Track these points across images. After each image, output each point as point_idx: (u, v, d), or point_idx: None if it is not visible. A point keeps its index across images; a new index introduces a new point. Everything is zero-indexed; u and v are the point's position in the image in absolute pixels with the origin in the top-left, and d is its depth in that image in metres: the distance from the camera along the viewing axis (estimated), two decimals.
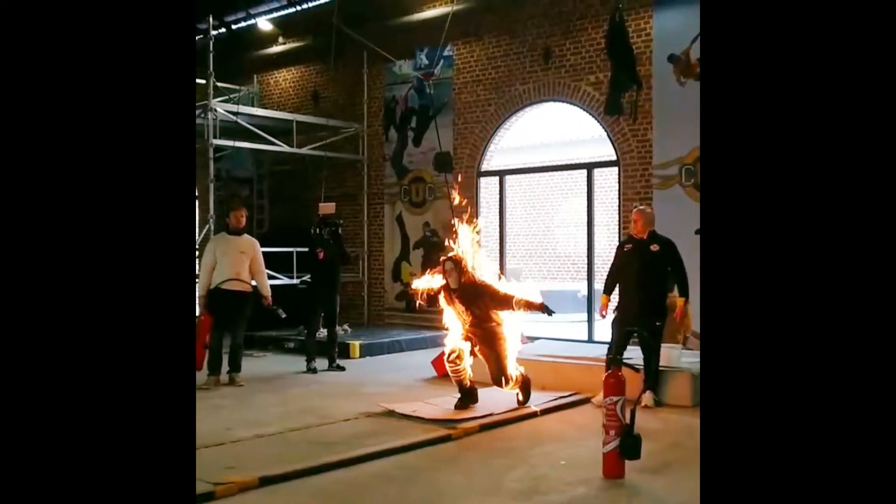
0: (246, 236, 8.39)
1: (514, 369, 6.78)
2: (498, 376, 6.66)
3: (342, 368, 9.11)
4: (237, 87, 14.27)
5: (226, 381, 8.07)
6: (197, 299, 8.33)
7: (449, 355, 6.74)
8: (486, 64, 11.68)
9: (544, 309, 6.57)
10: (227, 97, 13.52)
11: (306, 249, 9.86)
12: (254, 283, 8.29)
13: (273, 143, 12.18)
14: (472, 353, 6.76)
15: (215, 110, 11.49)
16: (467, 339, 6.74)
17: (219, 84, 12.32)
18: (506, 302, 6.64)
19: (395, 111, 12.82)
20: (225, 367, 8.11)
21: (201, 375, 7.97)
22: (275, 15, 14.21)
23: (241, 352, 8.30)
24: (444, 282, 6.85)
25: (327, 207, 9.66)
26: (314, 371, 8.92)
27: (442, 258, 6.92)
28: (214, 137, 11.50)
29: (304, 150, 12.57)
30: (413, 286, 7.24)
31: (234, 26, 14.65)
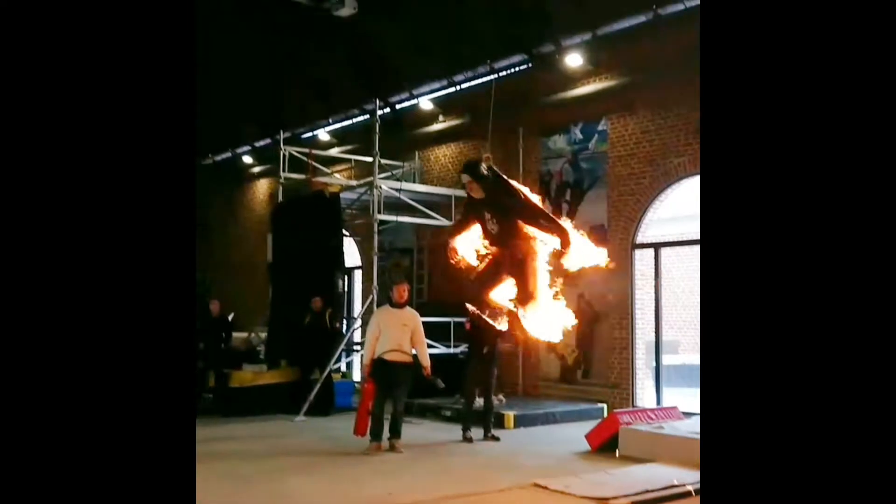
0: (408, 309, 8.85)
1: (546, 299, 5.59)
2: (524, 296, 5.49)
3: (497, 439, 9.31)
4: (400, 164, 15.09)
5: (386, 447, 8.46)
6: (363, 367, 8.86)
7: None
8: (640, 138, 11.82)
9: (563, 235, 5.40)
10: (389, 174, 14.33)
11: (462, 320, 10.23)
12: (414, 352, 8.71)
13: (433, 217, 12.76)
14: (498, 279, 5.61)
15: (380, 187, 12.23)
16: (491, 262, 5.65)
17: (383, 161, 13.13)
18: (537, 210, 5.62)
19: (550, 184, 13.12)
20: (386, 433, 8.51)
21: (364, 441, 8.42)
22: (435, 95, 15.02)
23: (401, 419, 8.68)
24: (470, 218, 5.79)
25: None
26: (470, 440, 9.17)
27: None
28: (378, 212, 12.21)
29: None
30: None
31: (398, 106, 15.61)
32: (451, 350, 11.78)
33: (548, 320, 5.51)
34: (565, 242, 5.35)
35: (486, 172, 5.54)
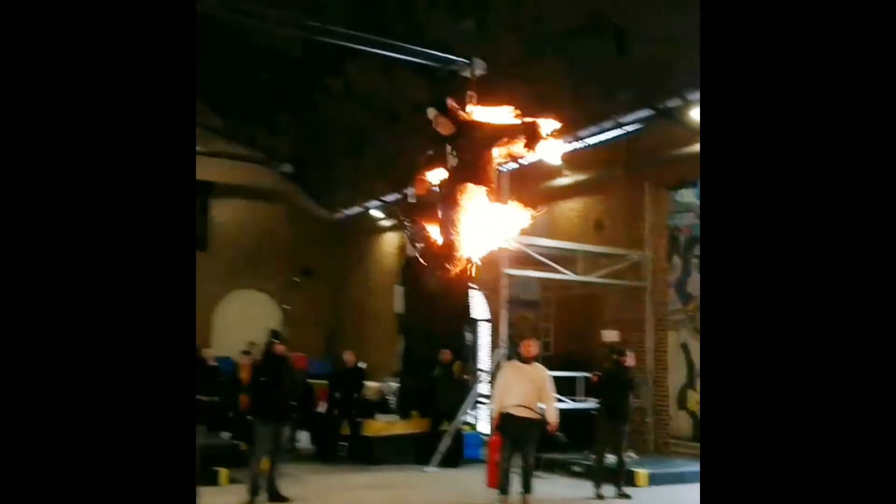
0: (536, 365, 8.95)
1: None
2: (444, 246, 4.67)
3: (628, 497, 9.22)
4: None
5: (517, 501, 8.53)
6: (491, 420, 9.02)
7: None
8: None
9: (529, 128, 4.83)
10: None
11: (588, 374, 10.22)
12: (542, 406, 8.78)
13: (559, 272, 12.85)
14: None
15: (508, 241, 12.44)
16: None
17: None
18: (501, 126, 4.99)
19: (679, 238, 13.00)
20: (517, 487, 8.57)
21: (492, 493, 8.54)
22: (561, 151, 15.17)
23: (531, 473, 8.74)
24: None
25: (610, 335, 10.00)
26: (601, 497, 9.12)
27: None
28: (505, 266, 12.42)
29: (588, 278, 13.09)
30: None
31: (525, 162, 15.86)
32: (578, 405, 11.73)
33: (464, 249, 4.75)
34: (533, 135, 4.84)
35: (457, 108, 5.12)
